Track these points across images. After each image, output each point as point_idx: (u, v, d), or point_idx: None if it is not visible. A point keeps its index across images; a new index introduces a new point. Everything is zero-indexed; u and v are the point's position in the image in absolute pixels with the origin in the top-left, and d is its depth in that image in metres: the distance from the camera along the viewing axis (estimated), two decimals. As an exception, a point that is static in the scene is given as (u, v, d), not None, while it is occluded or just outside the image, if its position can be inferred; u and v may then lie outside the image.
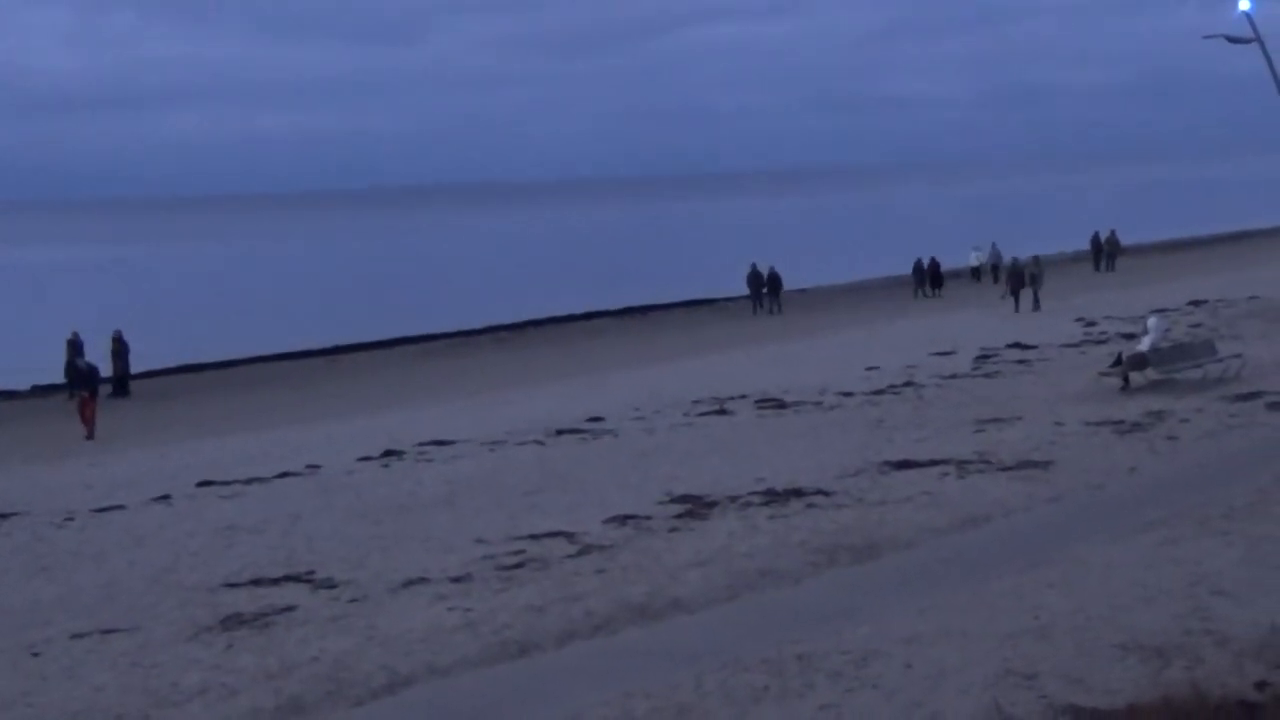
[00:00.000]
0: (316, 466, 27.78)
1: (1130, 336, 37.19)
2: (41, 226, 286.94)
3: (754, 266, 69.47)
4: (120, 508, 24.76)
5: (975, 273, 76.97)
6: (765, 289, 68.43)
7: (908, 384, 33.85)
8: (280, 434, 35.61)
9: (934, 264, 72.32)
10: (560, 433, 29.86)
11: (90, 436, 39.50)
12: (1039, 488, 20.67)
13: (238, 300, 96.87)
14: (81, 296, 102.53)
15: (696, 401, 33.16)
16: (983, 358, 38.52)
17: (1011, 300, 55.01)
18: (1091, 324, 45.75)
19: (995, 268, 73.70)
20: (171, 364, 59.33)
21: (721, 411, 31.42)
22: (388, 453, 28.86)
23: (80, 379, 42.09)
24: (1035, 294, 54.79)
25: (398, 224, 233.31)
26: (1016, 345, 40.60)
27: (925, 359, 38.94)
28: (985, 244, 77.85)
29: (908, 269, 73.70)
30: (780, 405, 31.67)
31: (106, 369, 47.53)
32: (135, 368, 54.33)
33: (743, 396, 33.31)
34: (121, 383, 50.66)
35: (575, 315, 72.91)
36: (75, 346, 48.37)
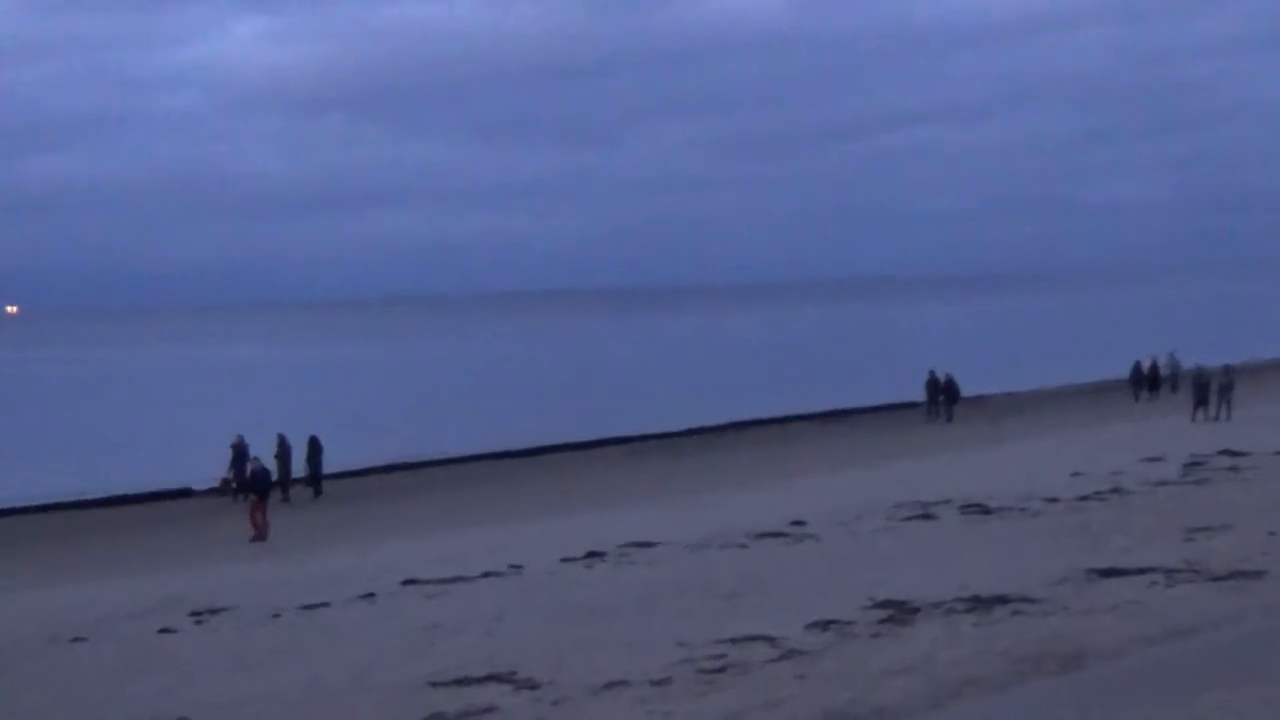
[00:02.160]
0: (519, 567, 27.94)
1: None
2: (248, 327, 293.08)
3: (931, 373, 68.94)
4: (326, 605, 25.08)
5: (1153, 383, 75.54)
6: (942, 396, 67.83)
7: (1114, 490, 33.33)
8: (484, 533, 35.91)
9: (1153, 368, 71.56)
10: (762, 536, 29.77)
11: (259, 538, 40.12)
12: (1251, 599, 20.19)
13: (442, 399, 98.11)
14: (278, 396, 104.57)
15: (898, 506, 32.89)
16: (1192, 464, 37.84)
17: (1194, 411, 53.62)
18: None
19: (1174, 376, 72.75)
20: (381, 463, 60.24)
21: (924, 516, 31.15)
22: (590, 554, 28.94)
23: (250, 482, 42.59)
24: (1227, 403, 53.43)
25: (600, 325, 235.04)
26: (1227, 452, 39.83)
27: (1132, 465, 38.34)
28: (1162, 353, 76.57)
29: (1101, 374, 73.05)
30: (984, 510, 31.32)
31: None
32: (342, 467, 55.35)
33: (946, 501, 33.00)
34: (314, 483, 51.49)
35: (775, 418, 72.94)
36: (241, 450, 49.09)
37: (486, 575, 27.19)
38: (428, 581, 26.76)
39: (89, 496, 53.89)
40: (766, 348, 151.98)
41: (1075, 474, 36.84)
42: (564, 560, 28.41)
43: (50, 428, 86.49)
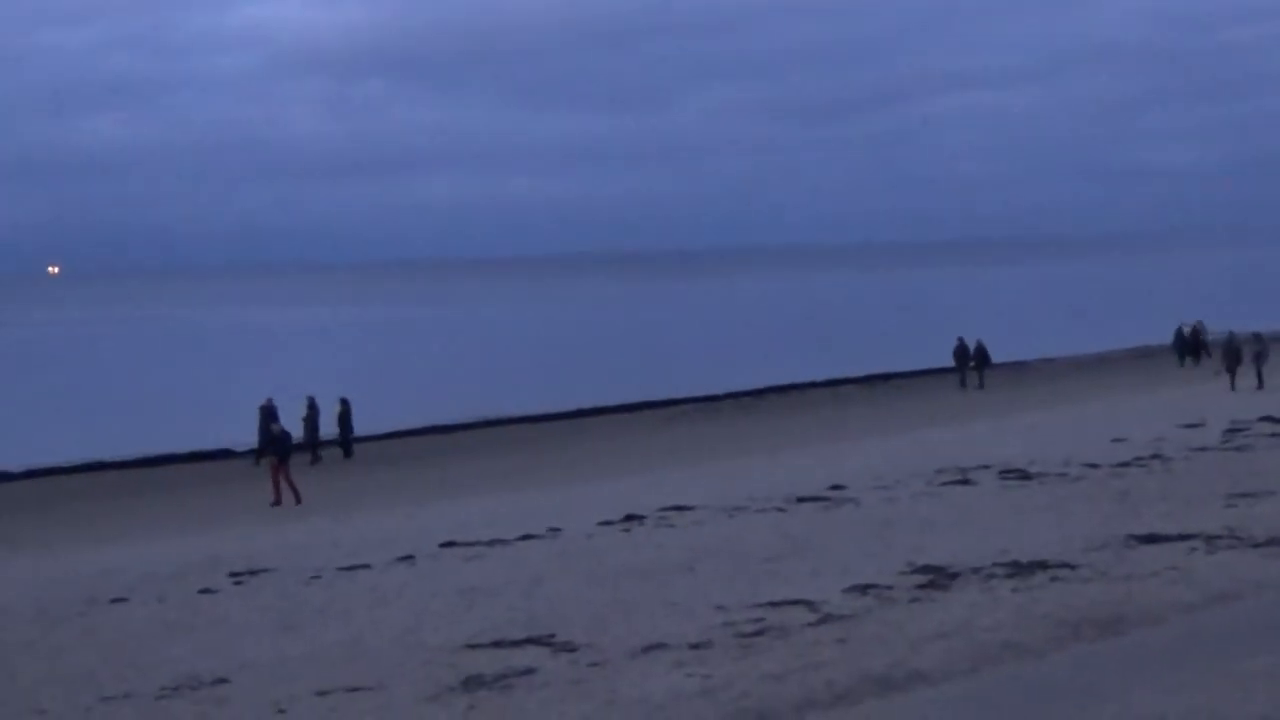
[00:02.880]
0: (558, 530, 27.98)
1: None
2: (289, 289, 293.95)
3: (960, 340, 68.27)
4: (366, 567, 25.16)
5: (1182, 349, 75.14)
6: (973, 362, 67.27)
7: (1155, 456, 33.19)
8: (522, 496, 35.98)
9: (1194, 333, 71.15)
10: (801, 500, 29.74)
11: (277, 503, 40.14)
12: (1293, 565, 20.10)
13: (480, 363, 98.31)
14: (318, 357, 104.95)
15: (939, 471, 32.80)
16: (1233, 430, 37.66)
17: (1227, 377, 53.24)
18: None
19: (1205, 344, 72.55)
20: (417, 425, 60.40)
21: (964, 482, 31.06)
22: (629, 517, 28.96)
23: (272, 444, 42.65)
24: (1260, 372, 52.95)
25: (642, 289, 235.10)
26: (1269, 419, 39.62)
27: (1172, 431, 38.18)
28: (1191, 320, 76.10)
29: (1143, 339, 72.76)
30: (1024, 476, 31.23)
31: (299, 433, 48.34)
32: (376, 429, 55.59)
33: (985, 467, 32.91)
34: (344, 446, 51.67)
35: (817, 382, 72.95)
36: (269, 413, 49.07)
37: (525, 538, 27.24)
38: (466, 544, 26.81)
39: (128, 457, 54.13)
40: (809, 312, 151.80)
41: (1116, 439, 36.69)
42: (602, 523, 28.43)
43: (87, 388, 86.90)
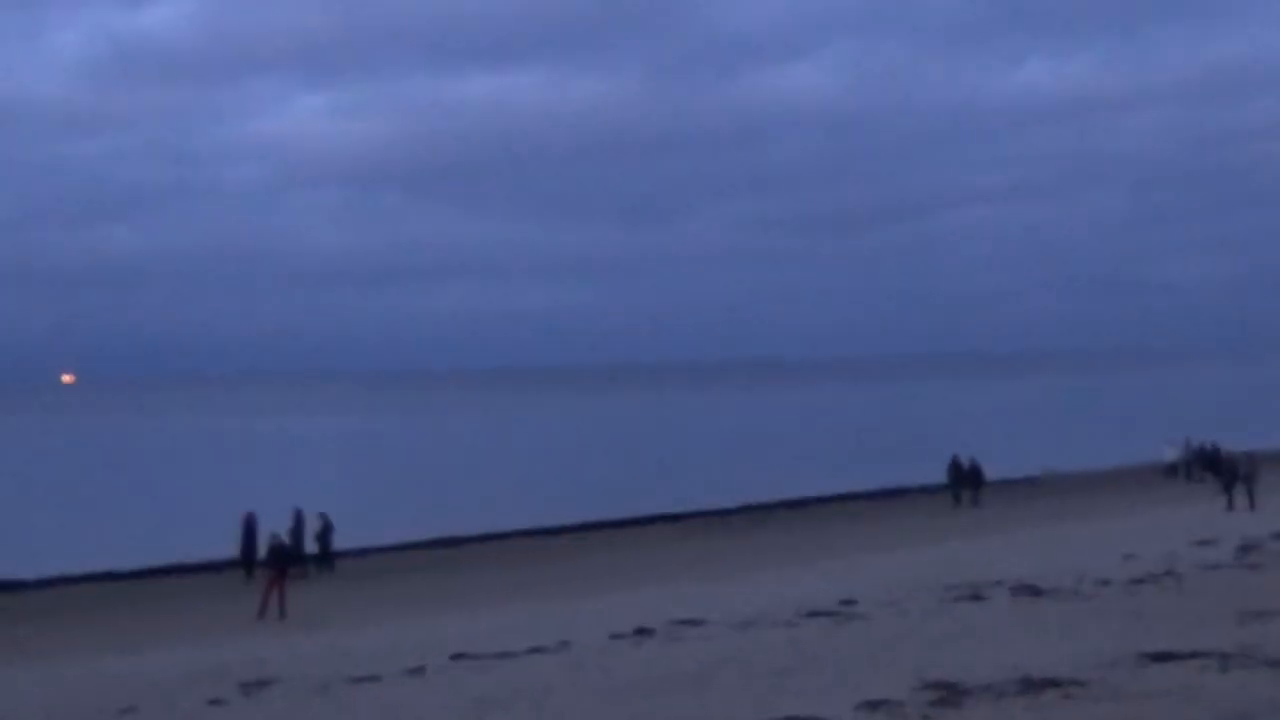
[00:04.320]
0: (567, 643, 27.90)
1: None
2: (301, 398, 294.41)
3: (955, 457, 68.05)
4: (375, 679, 25.09)
5: (1172, 469, 75.14)
6: (967, 482, 66.85)
7: (1167, 573, 33.10)
8: (532, 609, 35.89)
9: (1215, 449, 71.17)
10: (811, 614, 29.66)
11: (262, 615, 39.91)
12: (1306, 685, 20.00)
13: (490, 475, 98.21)
14: (319, 468, 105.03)
15: (949, 586, 32.74)
16: (1245, 548, 37.58)
17: (1224, 498, 53.08)
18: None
19: (1190, 464, 72.81)
20: (424, 537, 60.31)
21: (974, 597, 30.99)
22: (639, 630, 28.88)
23: (269, 558, 42.45)
24: (1250, 492, 52.79)
25: (653, 401, 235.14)
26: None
27: (1184, 548, 38.10)
28: (1179, 439, 76.31)
29: (1145, 456, 73.27)
30: (1035, 592, 31.14)
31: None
32: (380, 541, 55.64)
33: (996, 582, 32.83)
34: (326, 560, 51.47)
35: (827, 496, 72.88)
36: (251, 525, 49.72)
37: (534, 650, 27.17)
38: (476, 656, 26.74)
39: (118, 569, 54.06)
40: (821, 425, 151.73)
41: (1127, 556, 36.63)
42: (613, 637, 28.35)
43: (78, 497, 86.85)
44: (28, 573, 52.46)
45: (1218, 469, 69.64)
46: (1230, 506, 51.79)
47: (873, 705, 19.77)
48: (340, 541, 53.51)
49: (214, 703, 23.89)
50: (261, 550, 45.91)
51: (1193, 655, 22.21)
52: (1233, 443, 64.45)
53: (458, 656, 26.85)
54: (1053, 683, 20.63)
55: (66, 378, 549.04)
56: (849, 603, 31.06)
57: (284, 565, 41.37)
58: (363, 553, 55.85)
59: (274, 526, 45.72)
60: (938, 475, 71.90)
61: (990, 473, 69.72)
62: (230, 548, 51.51)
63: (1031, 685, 20.55)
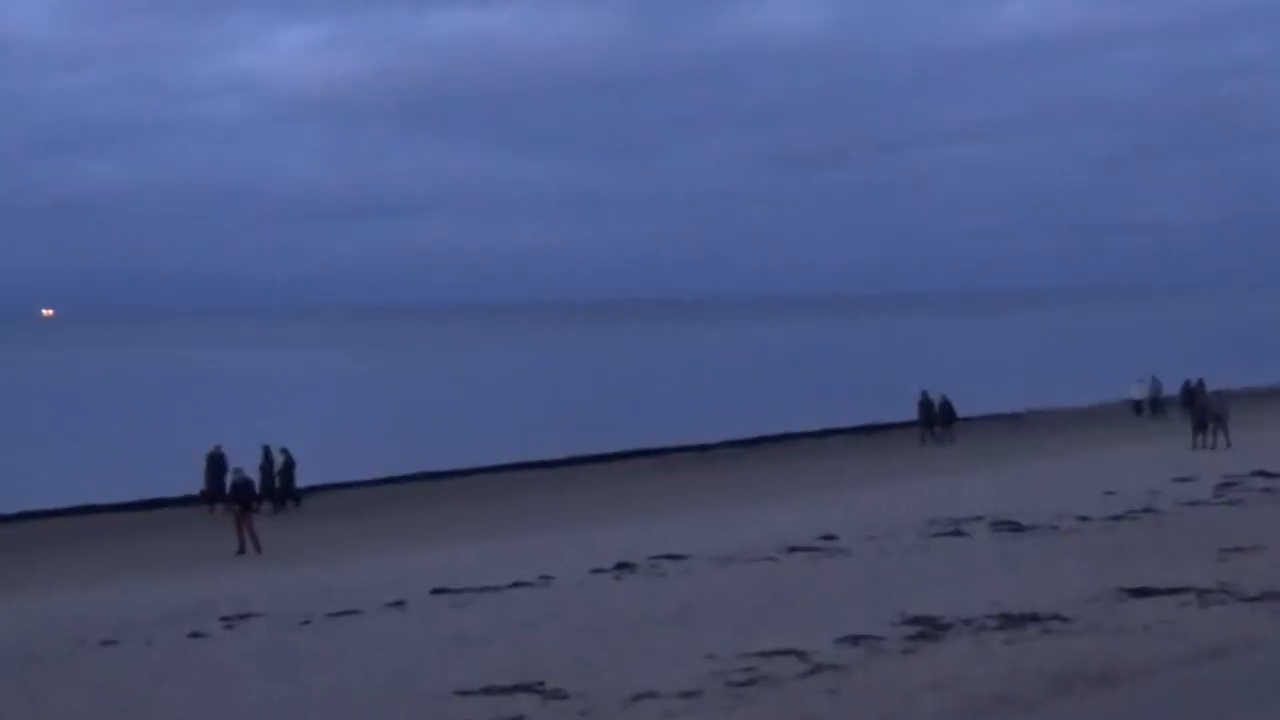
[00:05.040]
0: (549, 577, 27.92)
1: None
2: (283, 333, 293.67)
3: (924, 394, 67.77)
4: (356, 613, 25.10)
5: (1138, 407, 75.15)
6: (937, 419, 66.58)
7: (1147, 509, 33.19)
8: (513, 544, 35.90)
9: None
10: (793, 550, 29.71)
11: (241, 552, 39.83)
12: (1284, 620, 20.07)
13: (471, 409, 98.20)
14: (299, 403, 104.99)
15: (931, 522, 32.79)
16: (1225, 485, 37.65)
17: (1194, 437, 53.00)
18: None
19: (1156, 402, 72.89)
20: (406, 471, 60.25)
21: (956, 533, 31.06)
22: (621, 565, 28.92)
23: (232, 494, 42.30)
24: (1224, 430, 52.72)
25: (634, 337, 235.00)
26: (1261, 473, 39.63)
27: (1166, 484, 38.17)
28: (1146, 376, 76.30)
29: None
30: (1016, 528, 31.22)
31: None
32: (362, 476, 55.56)
33: (978, 518, 32.90)
34: (280, 495, 51.00)
35: (809, 432, 72.86)
36: (218, 460, 49.40)
37: (516, 585, 27.20)
38: (457, 590, 26.76)
39: (96, 502, 53.87)
40: (800, 361, 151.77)
41: (1108, 493, 36.68)
42: (594, 571, 28.39)
43: (54, 432, 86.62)
44: (2, 507, 52.28)
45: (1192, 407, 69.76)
46: (1198, 445, 51.75)
47: (853, 640, 19.81)
48: (318, 477, 53.37)
49: (195, 635, 23.91)
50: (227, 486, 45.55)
51: (1171, 591, 22.28)
52: (1214, 381, 64.36)
53: (438, 591, 26.86)
54: (1033, 617, 20.69)
55: (46, 312, 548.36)
56: (830, 538, 31.11)
57: (247, 501, 41.18)
58: (341, 488, 55.76)
59: (242, 462, 45.48)
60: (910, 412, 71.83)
61: (968, 409, 69.70)
62: (199, 483, 51.26)
63: (1011, 620, 20.61)
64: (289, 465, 51.65)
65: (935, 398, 66.82)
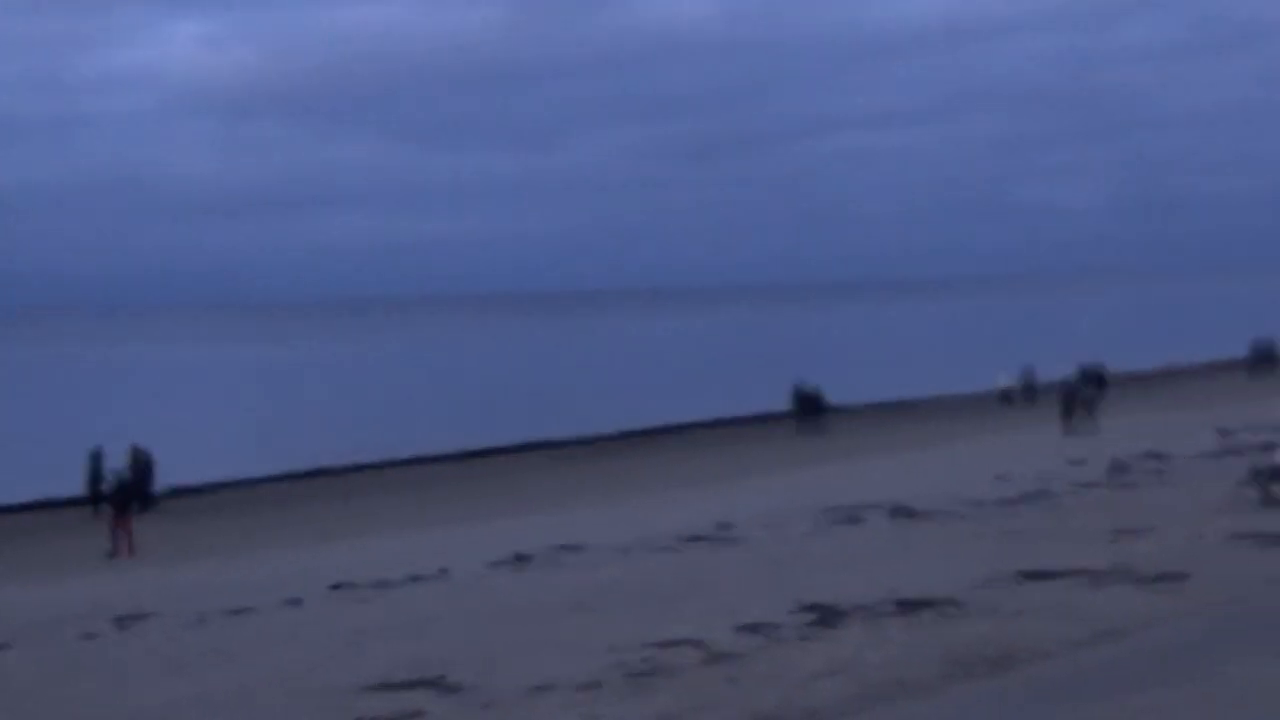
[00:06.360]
0: (447, 570, 27.84)
1: (1270, 447, 36.40)
2: (183, 328, 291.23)
3: (797, 386, 68.30)
4: (252, 610, 24.92)
5: (1005, 396, 75.87)
6: (808, 409, 67.13)
7: (1040, 492, 33.46)
8: (411, 538, 35.78)
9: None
10: (690, 539, 29.75)
11: (115, 555, 39.22)
12: (1178, 601, 20.29)
13: (370, 404, 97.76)
14: (194, 399, 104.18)
15: (827, 510, 32.91)
16: (1117, 468, 38.02)
17: (1062, 422, 53.56)
18: (1228, 434, 44.86)
19: (1028, 389, 73.72)
20: (303, 468, 59.91)
21: (852, 520, 31.19)
22: (519, 557, 28.88)
23: (108, 495, 41.88)
24: (1092, 415, 53.35)
25: (533, 329, 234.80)
26: (1152, 455, 40.05)
27: (1059, 467, 38.50)
28: (1014, 367, 77.34)
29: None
30: (911, 514, 31.39)
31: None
32: (256, 473, 55.11)
33: (874, 506, 33.05)
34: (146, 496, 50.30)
35: (704, 422, 73.06)
36: (99, 459, 48.94)
37: (413, 579, 27.10)
38: (355, 586, 26.62)
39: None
40: (698, 352, 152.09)
41: (999, 478, 36.95)
42: (492, 564, 28.33)
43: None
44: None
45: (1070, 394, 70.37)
46: (1068, 430, 52.31)
47: (752, 628, 19.84)
48: (211, 474, 52.98)
49: (88, 637, 23.66)
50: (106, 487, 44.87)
51: (1067, 573, 22.47)
52: (1103, 365, 65.11)
53: (336, 587, 26.73)
54: (929, 602, 20.80)
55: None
56: (727, 527, 31.17)
57: (125, 502, 40.69)
58: (233, 485, 55.40)
59: (121, 462, 44.97)
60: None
61: (848, 398, 70.48)
62: (80, 484, 50.56)
63: (908, 605, 20.70)
64: (148, 465, 50.73)
65: (807, 388, 67.60)
